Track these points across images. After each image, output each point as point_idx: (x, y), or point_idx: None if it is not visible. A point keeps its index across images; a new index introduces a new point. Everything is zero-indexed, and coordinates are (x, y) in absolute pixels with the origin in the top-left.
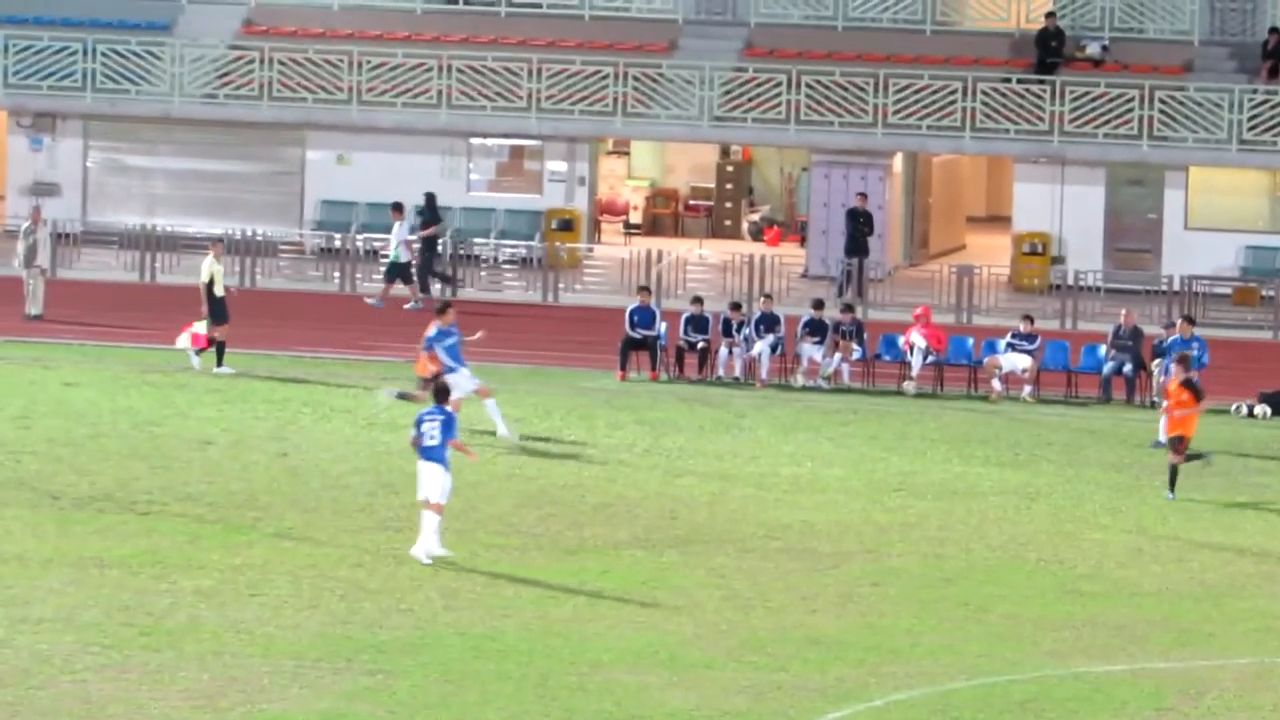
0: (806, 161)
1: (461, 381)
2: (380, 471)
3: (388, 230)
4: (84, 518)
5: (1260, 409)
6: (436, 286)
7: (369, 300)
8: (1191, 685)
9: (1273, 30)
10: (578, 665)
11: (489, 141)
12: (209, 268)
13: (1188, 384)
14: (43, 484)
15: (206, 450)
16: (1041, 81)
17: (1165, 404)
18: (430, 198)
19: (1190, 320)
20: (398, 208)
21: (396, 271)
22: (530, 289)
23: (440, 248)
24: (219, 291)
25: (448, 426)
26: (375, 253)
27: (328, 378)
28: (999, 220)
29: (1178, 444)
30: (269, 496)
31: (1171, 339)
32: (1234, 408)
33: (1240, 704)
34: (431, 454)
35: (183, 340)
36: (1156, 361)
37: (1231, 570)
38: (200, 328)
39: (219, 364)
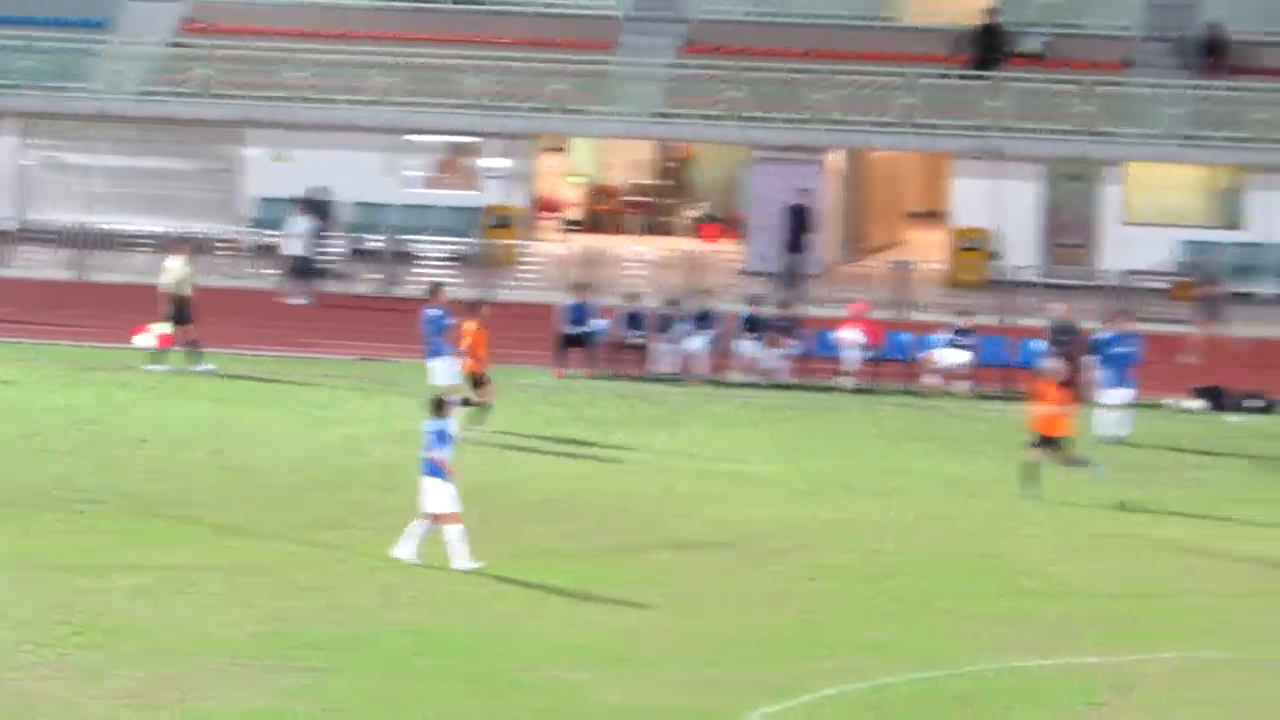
0: (746, 158)
1: (441, 369)
2: (318, 469)
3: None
4: (19, 516)
5: (1195, 404)
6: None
7: (292, 301)
8: (1122, 680)
9: (1211, 26)
10: (517, 662)
11: (428, 138)
12: (175, 269)
13: (1062, 382)
14: None
15: (143, 448)
16: (982, 77)
17: (1035, 401)
18: (316, 191)
19: (1127, 315)
20: (303, 204)
21: (303, 266)
22: (468, 286)
23: (320, 241)
24: (185, 292)
25: (437, 439)
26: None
27: (266, 375)
28: (937, 216)
29: (1053, 444)
30: (205, 494)
31: (1108, 334)
32: (1169, 403)
33: (1169, 699)
34: (421, 466)
35: (142, 340)
36: (1092, 357)
37: (1163, 566)
38: (160, 328)
39: (154, 362)
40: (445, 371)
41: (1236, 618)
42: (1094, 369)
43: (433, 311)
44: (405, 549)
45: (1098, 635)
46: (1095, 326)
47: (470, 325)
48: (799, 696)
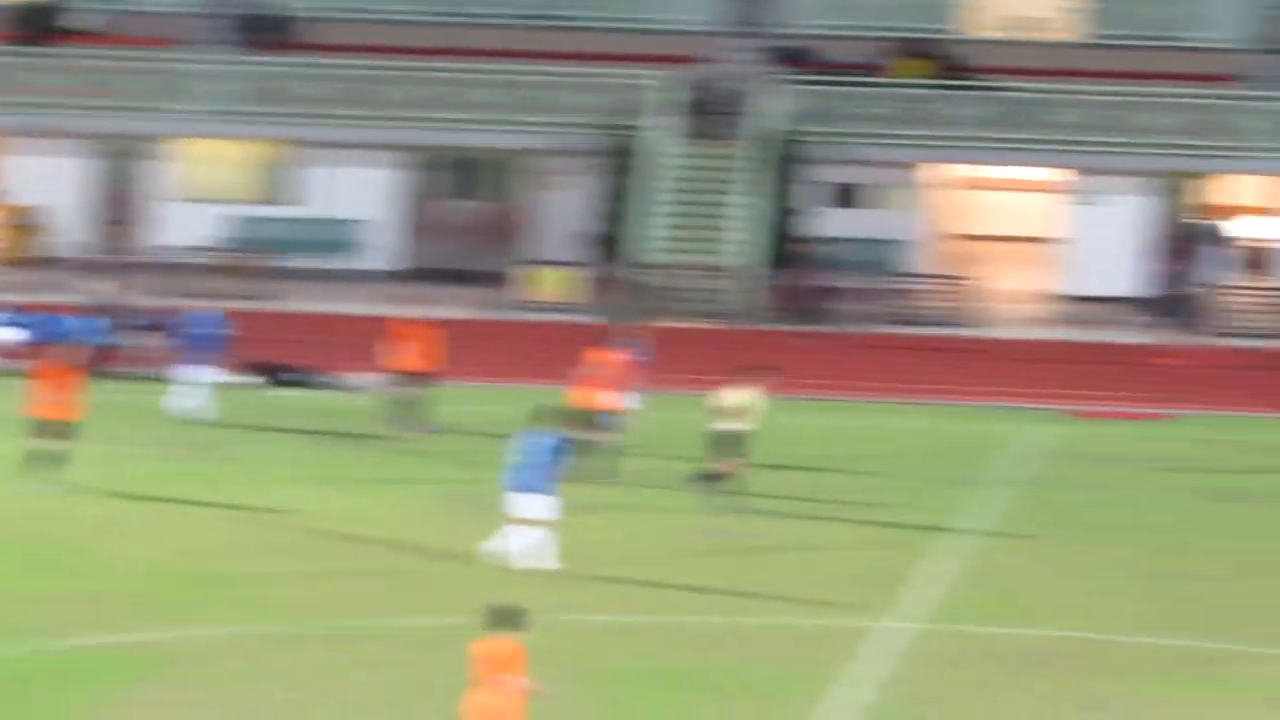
0: None
1: None
2: None
3: None
4: None
5: (248, 379)
6: None
7: None
8: (166, 656)
9: (264, 3)
10: None
11: None
12: None
13: (66, 364)
14: None
15: None
16: (35, 54)
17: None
18: None
19: (184, 295)
20: None
21: None
22: None
23: None
24: None
25: None
26: None
27: None
28: None
29: (57, 428)
30: None
31: (188, 316)
32: (225, 379)
33: (208, 674)
34: None
35: None
36: (169, 337)
37: (212, 543)
38: None
39: None
40: None
41: (287, 593)
42: (172, 347)
43: None
44: None
45: (147, 612)
46: (150, 304)
47: None
48: None
